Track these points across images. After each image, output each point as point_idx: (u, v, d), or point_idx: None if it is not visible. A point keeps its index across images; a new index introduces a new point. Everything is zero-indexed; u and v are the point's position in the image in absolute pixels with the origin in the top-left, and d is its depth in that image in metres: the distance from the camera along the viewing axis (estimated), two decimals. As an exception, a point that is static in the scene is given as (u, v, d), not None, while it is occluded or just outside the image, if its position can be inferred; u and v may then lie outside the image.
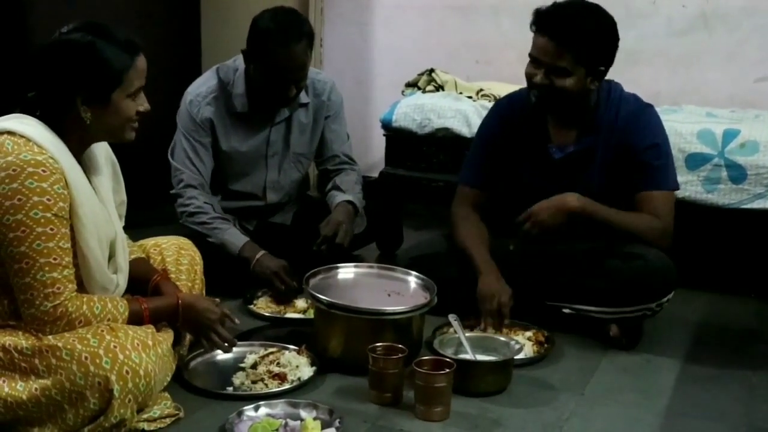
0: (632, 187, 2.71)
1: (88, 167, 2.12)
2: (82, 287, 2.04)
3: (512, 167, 2.87)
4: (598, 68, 2.65)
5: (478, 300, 2.66)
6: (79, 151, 2.08)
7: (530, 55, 2.67)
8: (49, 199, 1.91)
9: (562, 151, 2.79)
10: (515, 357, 2.43)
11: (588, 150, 2.75)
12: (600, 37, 2.63)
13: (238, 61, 3.10)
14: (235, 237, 2.98)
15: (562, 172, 2.78)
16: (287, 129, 3.20)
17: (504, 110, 2.93)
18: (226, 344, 2.30)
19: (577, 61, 2.60)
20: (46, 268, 1.92)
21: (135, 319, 2.08)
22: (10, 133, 1.95)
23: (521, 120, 2.82)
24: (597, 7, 2.66)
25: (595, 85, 2.68)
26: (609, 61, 2.68)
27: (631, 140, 2.70)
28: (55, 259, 1.93)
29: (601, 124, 2.73)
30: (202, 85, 3.12)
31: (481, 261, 2.75)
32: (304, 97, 3.16)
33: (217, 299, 2.35)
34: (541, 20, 2.63)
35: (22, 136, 1.94)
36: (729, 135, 3.24)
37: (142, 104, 2.09)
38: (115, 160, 2.26)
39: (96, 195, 2.10)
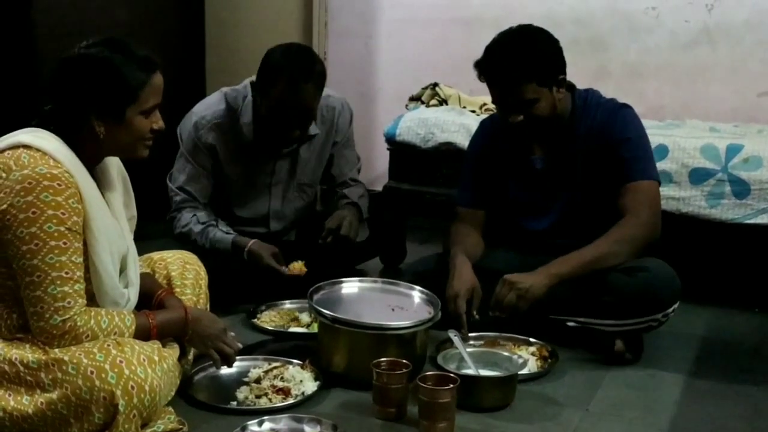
0: (614, 185, 2.72)
1: (101, 181, 2.13)
2: (93, 301, 2.04)
3: (499, 182, 2.91)
4: (557, 78, 2.69)
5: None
6: (93, 165, 2.10)
7: (493, 102, 2.75)
8: (63, 213, 1.92)
9: (543, 160, 2.83)
10: (519, 372, 2.43)
11: (569, 157, 2.79)
12: (544, 52, 2.68)
13: (249, 88, 3.07)
14: (221, 235, 2.99)
15: (545, 181, 2.84)
16: (293, 161, 3.18)
17: (487, 129, 3.01)
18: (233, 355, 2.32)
19: (539, 85, 2.65)
20: (58, 282, 1.93)
21: (142, 332, 2.08)
22: (26, 146, 1.97)
23: (504, 135, 2.86)
24: (522, 29, 2.73)
25: (562, 94, 2.73)
26: (563, 66, 2.72)
27: (607, 139, 2.74)
28: (67, 273, 1.94)
29: (579, 130, 2.77)
30: (208, 109, 3.10)
31: (452, 259, 2.75)
32: (313, 129, 3.13)
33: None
34: (485, 74, 2.71)
35: (38, 150, 1.96)
36: (732, 150, 3.24)
37: (157, 122, 2.10)
38: (126, 175, 2.27)
39: (109, 209, 2.12)
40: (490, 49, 2.71)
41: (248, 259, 2.96)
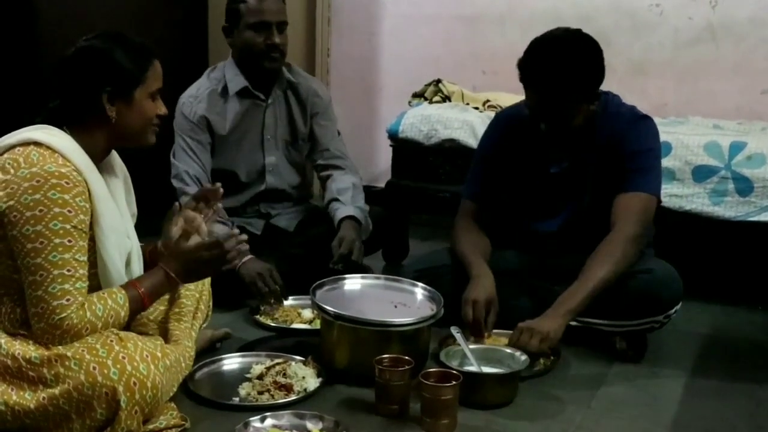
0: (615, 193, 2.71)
1: (107, 178, 2.14)
2: None
3: (510, 180, 2.87)
4: (597, 93, 2.66)
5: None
6: (102, 158, 2.12)
7: (527, 101, 2.68)
8: (69, 211, 1.92)
9: (558, 165, 2.79)
10: (522, 369, 2.43)
11: (583, 164, 2.75)
12: (595, 71, 2.62)
13: (228, 60, 3.26)
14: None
15: (556, 185, 2.79)
16: (280, 112, 3.29)
17: (503, 124, 2.93)
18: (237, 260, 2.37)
19: (579, 101, 2.62)
20: (59, 280, 1.92)
21: (135, 304, 2.08)
22: (36, 143, 1.98)
23: (519, 134, 2.81)
24: (576, 38, 2.63)
25: (595, 105, 2.68)
26: (602, 80, 2.67)
27: (620, 149, 2.70)
28: (69, 270, 1.94)
29: (597, 138, 2.72)
30: (193, 88, 3.27)
31: (474, 266, 2.73)
32: (291, 77, 3.28)
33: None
34: (530, 79, 2.62)
35: (48, 147, 1.97)
36: (736, 147, 3.23)
37: (161, 108, 2.15)
38: (127, 173, 2.28)
39: (116, 207, 2.12)
40: (539, 55, 2.59)
41: (239, 273, 2.95)
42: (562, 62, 2.56)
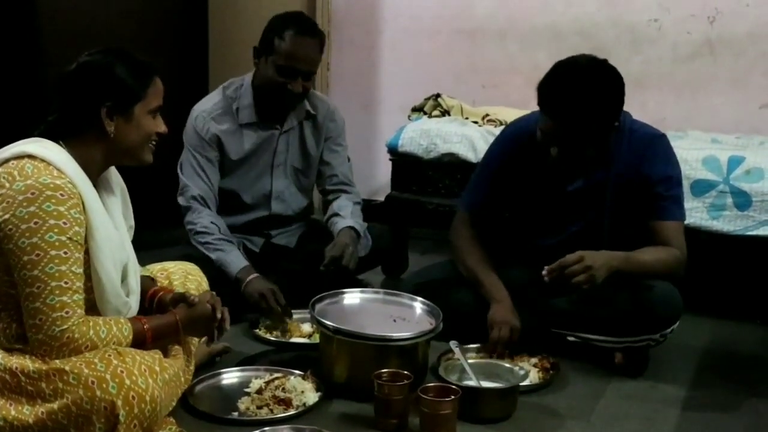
0: (644, 216, 2.68)
1: (102, 192, 2.14)
2: (94, 310, 2.04)
3: (520, 197, 2.84)
4: (615, 125, 2.62)
5: (489, 326, 2.67)
6: (97, 174, 2.12)
7: (542, 128, 2.61)
8: (65, 223, 1.93)
9: (573, 184, 2.74)
10: (521, 383, 2.43)
11: (600, 183, 2.71)
12: (613, 105, 2.57)
13: (246, 78, 3.18)
14: (237, 259, 3.00)
15: (573, 203, 2.75)
16: (293, 139, 3.26)
17: (513, 140, 2.86)
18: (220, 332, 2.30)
19: (596, 134, 2.57)
20: (57, 292, 1.93)
21: (138, 339, 2.09)
22: (30, 156, 1.98)
23: (531, 151, 2.73)
24: (600, 70, 2.56)
25: (611, 135, 2.64)
26: (620, 114, 2.63)
27: (644, 171, 2.67)
28: (66, 282, 1.94)
29: (612, 156, 2.68)
30: (208, 102, 3.21)
31: (495, 288, 2.76)
32: (310, 108, 3.24)
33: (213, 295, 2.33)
34: (549, 106, 2.55)
35: (42, 160, 1.97)
36: (734, 162, 3.24)
37: (160, 126, 2.15)
38: (124, 186, 2.29)
39: (111, 220, 2.12)
40: (561, 84, 2.52)
41: (244, 292, 2.95)
42: (585, 95, 2.49)
